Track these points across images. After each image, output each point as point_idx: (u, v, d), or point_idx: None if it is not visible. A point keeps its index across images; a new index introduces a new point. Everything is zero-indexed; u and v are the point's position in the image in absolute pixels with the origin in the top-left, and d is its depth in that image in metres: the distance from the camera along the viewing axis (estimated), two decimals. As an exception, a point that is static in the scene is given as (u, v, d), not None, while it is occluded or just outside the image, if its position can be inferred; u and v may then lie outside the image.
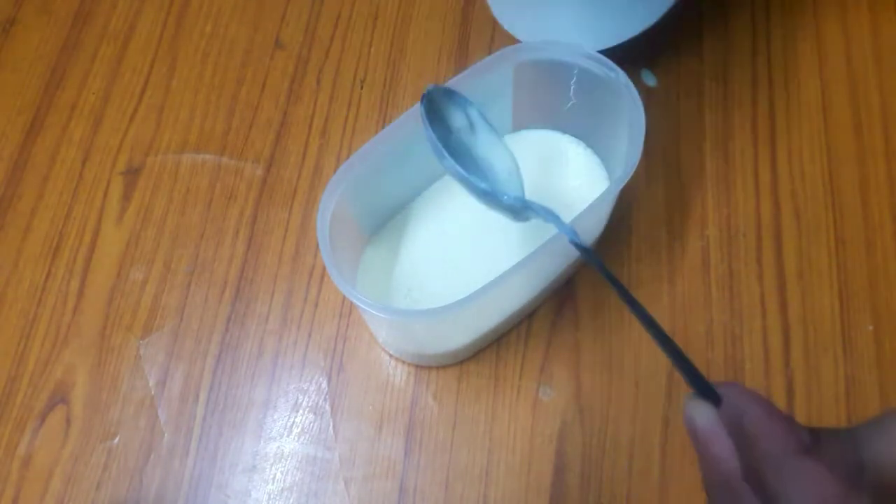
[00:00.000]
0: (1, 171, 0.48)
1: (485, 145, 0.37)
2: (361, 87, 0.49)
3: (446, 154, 0.34)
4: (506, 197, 0.36)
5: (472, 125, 0.37)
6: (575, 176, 0.44)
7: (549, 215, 0.35)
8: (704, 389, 0.23)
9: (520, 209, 0.36)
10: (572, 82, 0.41)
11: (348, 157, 0.37)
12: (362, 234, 0.42)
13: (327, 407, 0.41)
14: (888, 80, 0.47)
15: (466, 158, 0.36)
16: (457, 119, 0.37)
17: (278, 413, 0.41)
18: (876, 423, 0.21)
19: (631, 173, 0.36)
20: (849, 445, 0.21)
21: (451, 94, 0.37)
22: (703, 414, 0.22)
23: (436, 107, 0.36)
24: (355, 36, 0.51)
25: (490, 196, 0.35)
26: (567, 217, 0.36)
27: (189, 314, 0.44)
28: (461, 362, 0.42)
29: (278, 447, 0.41)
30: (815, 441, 0.21)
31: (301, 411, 0.41)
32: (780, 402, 0.40)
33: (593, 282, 0.43)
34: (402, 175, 0.41)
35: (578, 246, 0.33)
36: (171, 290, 0.44)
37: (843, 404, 0.40)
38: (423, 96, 0.35)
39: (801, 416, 0.40)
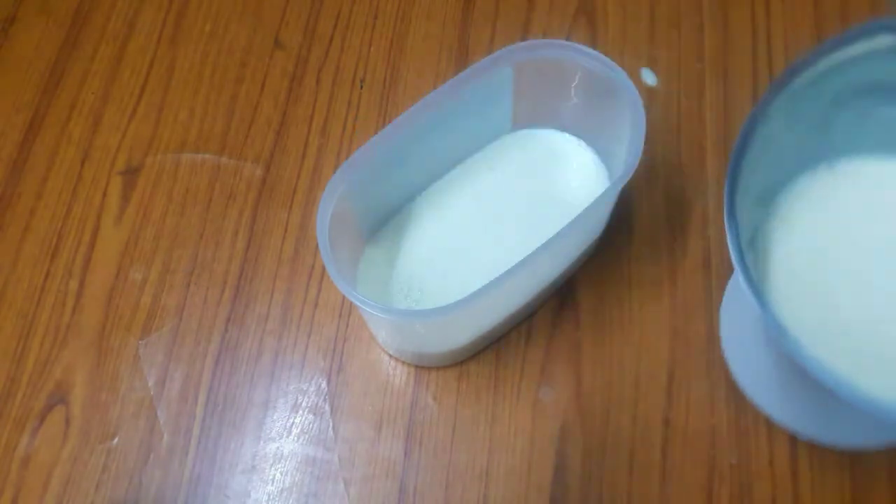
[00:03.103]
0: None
1: None
2: (361, 87, 0.49)
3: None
4: None
5: None
6: (575, 176, 0.44)
7: None
8: None
9: None
10: (573, 83, 0.41)
11: (348, 157, 0.37)
12: (362, 234, 0.42)
13: (327, 407, 0.41)
14: (889, 80, 0.47)
15: None
16: None
17: (278, 414, 0.41)
18: None
19: (631, 173, 0.36)
20: None
21: None
22: None
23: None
24: (355, 36, 0.51)
25: None
26: (567, 217, 0.36)
27: (188, 314, 0.44)
28: (461, 362, 0.42)
29: (278, 448, 0.41)
30: None
31: (300, 412, 0.41)
32: (781, 402, 0.40)
33: (593, 282, 0.43)
34: (403, 175, 0.41)
35: None
36: (170, 290, 0.44)
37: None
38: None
39: (801, 417, 0.40)
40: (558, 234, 0.35)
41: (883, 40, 0.32)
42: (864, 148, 0.38)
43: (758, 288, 0.30)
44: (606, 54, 0.38)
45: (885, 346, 0.34)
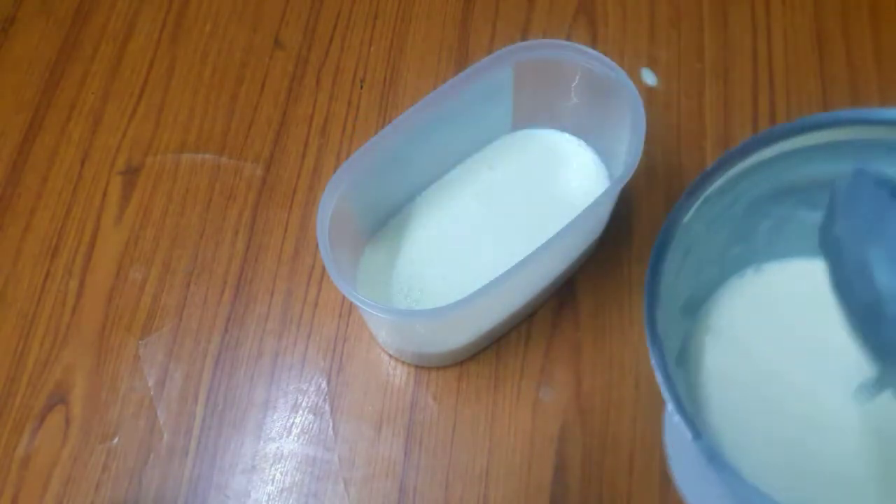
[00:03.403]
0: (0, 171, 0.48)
1: None
2: (361, 87, 0.49)
3: None
4: None
5: None
6: (575, 176, 0.44)
7: None
8: None
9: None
10: (573, 83, 0.41)
11: (348, 157, 0.37)
12: (362, 234, 0.42)
13: (327, 407, 0.41)
14: (888, 81, 0.47)
15: None
16: None
17: (278, 413, 0.41)
18: None
19: (631, 173, 0.36)
20: None
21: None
22: None
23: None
24: (355, 36, 0.51)
25: None
26: (567, 217, 0.36)
27: (188, 314, 0.44)
28: (461, 362, 0.42)
29: (278, 448, 0.41)
30: None
31: (300, 412, 0.41)
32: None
33: (593, 282, 0.43)
34: (403, 175, 0.41)
35: None
36: (170, 290, 0.44)
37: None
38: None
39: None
40: (558, 234, 0.35)
41: (786, 144, 0.32)
42: (790, 252, 0.37)
43: (691, 421, 0.28)
44: (606, 54, 0.38)
45: (823, 458, 0.34)
